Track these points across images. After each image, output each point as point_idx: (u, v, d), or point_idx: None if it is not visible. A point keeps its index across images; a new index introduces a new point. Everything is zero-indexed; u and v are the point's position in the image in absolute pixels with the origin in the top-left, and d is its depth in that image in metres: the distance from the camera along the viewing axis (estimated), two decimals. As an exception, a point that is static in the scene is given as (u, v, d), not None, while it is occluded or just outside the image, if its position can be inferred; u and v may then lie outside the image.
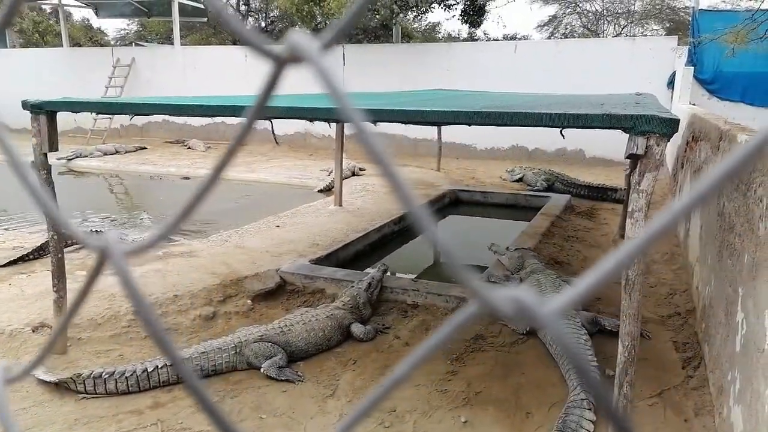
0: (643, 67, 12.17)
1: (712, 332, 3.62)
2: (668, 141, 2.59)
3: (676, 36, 13.38)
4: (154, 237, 0.44)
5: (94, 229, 6.60)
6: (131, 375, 3.39)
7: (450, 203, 9.22)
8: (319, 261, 5.60)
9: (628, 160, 3.80)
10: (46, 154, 3.70)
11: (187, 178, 11.36)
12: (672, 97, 11.74)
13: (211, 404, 0.42)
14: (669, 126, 2.52)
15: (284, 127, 14.75)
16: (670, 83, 12.08)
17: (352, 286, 4.61)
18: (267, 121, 4.94)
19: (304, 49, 0.35)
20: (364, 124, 0.35)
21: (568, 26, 27.06)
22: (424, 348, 0.37)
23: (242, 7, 24.45)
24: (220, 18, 0.38)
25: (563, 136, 3.48)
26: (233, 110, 4.40)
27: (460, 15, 16.45)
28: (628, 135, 2.62)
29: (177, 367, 0.43)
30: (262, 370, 3.63)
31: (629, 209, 2.63)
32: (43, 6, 24.39)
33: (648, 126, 2.52)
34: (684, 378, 3.62)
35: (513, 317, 0.33)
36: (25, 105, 3.61)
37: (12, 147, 0.47)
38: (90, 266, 0.46)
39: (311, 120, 4.89)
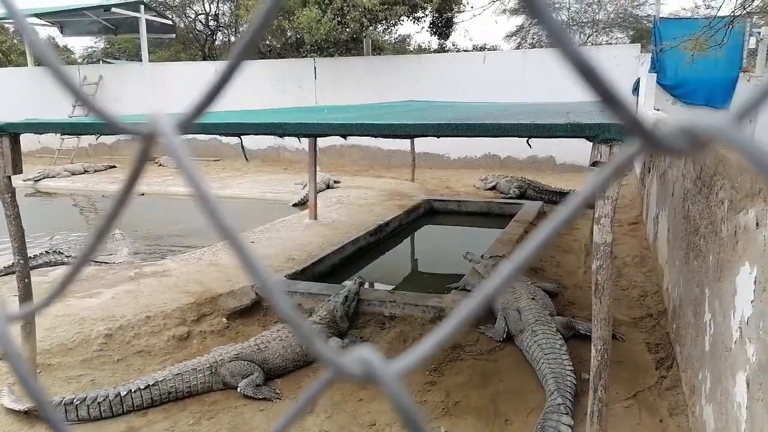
0: (608, 75, 12.44)
1: (682, 332, 3.70)
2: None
3: (639, 44, 13.76)
4: (46, 298, 0.43)
5: (46, 251, 6.41)
6: (104, 400, 3.32)
7: (425, 213, 9.27)
8: (295, 276, 5.57)
9: (592, 166, 3.89)
10: (9, 177, 3.62)
11: (143, 194, 11.22)
12: (637, 104, 12.04)
13: None
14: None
15: (257, 141, 14.68)
16: (635, 90, 12.39)
17: (329, 300, 4.59)
18: (236, 138, 4.91)
19: (161, 128, 0.37)
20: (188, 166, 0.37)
21: (535, 36, 27.58)
22: (294, 409, 0.38)
23: (211, 23, 24.36)
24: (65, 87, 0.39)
25: (530, 145, 3.55)
26: (203, 127, 4.36)
27: (429, 27, 16.66)
28: (591, 143, 2.69)
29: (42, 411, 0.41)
30: (239, 389, 3.58)
31: (596, 215, 2.69)
32: (6, 25, 23.91)
33: (610, 134, 2.59)
34: (658, 378, 3.69)
35: (362, 379, 0.34)
36: (-14, 128, 3.53)
37: None
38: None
39: (282, 136, 4.88)
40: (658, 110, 10.32)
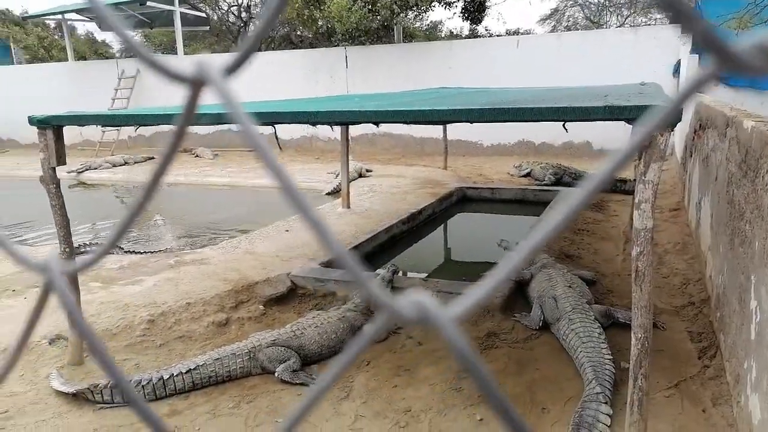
0: (648, 57, 12.10)
1: (726, 321, 3.59)
2: (672, 130, 2.57)
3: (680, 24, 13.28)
4: (93, 257, 0.45)
5: (85, 243, 6.65)
6: (147, 383, 3.42)
7: (458, 201, 9.20)
8: (329, 264, 5.61)
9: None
10: (54, 168, 3.75)
11: (169, 185, 11.51)
12: (678, 86, 11.66)
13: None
14: (671, 115, 2.51)
15: (290, 131, 14.81)
16: (676, 72, 12.00)
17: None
18: (270, 127, 4.96)
19: (208, 72, 0.37)
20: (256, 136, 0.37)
21: (570, 19, 26.94)
22: (346, 357, 0.38)
23: (243, 14, 24.57)
24: (129, 45, 0.39)
25: (566, 129, 3.47)
26: (238, 116, 4.40)
27: (461, 12, 16.44)
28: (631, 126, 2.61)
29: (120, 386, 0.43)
30: (276, 374, 3.65)
31: (636, 200, 2.62)
32: (47, 21, 24.64)
33: (651, 116, 2.51)
34: (700, 368, 3.60)
35: (417, 322, 0.34)
36: (32, 120, 3.65)
37: None
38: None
39: (314, 124, 4.91)
40: (701, 92, 9.96)
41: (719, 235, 4.26)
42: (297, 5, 14.37)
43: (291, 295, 5.03)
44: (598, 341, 3.63)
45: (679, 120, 2.58)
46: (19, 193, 11.75)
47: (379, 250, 6.64)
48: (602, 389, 3.17)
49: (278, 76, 14.89)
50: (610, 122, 3.01)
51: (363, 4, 13.55)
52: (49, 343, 4.02)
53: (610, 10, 26.03)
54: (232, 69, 0.37)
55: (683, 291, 4.82)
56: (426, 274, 5.96)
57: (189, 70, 0.38)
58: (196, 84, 0.37)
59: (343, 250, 0.35)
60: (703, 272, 5.02)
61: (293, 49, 21.26)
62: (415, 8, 14.48)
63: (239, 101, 0.36)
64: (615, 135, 11.10)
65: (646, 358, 2.66)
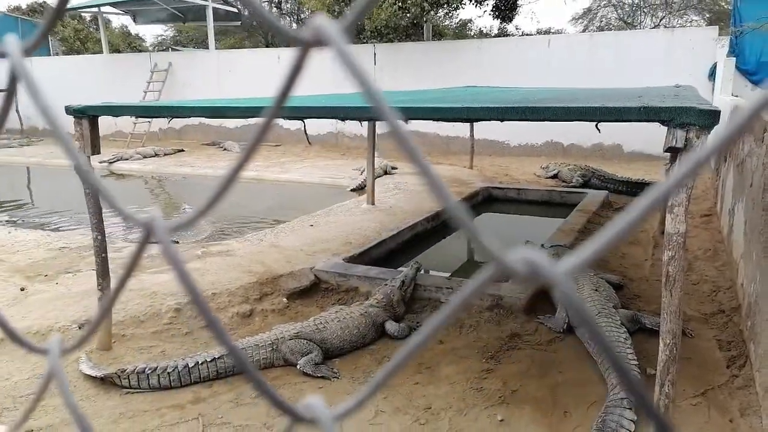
0: (683, 59, 11.84)
1: (758, 330, 3.50)
2: (709, 133, 2.51)
3: (717, 26, 12.96)
4: (191, 216, 0.47)
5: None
6: (173, 370, 3.49)
7: (483, 200, 9.14)
8: (353, 259, 5.63)
9: (669, 155, 3.71)
10: (89, 157, 3.84)
11: (185, 177, 12.08)
12: (713, 89, 11.38)
13: (267, 387, 0.44)
14: (709, 117, 2.45)
15: (316, 127, 14.89)
16: (711, 75, 11.71)
17: (386, 284, 4.62)
18: (300, 122, 5.00)
19: (326, 32, 0.37)
20: (390, 111, 0.37)
21: (603, 19, 26.51)
22: (448, 308, 0.38)
23: (274, 10, 24.76)
24: (251, 7, 0.39)
25: (599, 130, 3.42)
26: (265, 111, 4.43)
27: (492, 11, 16.30)
28: (666, 128, 2.56)
29: (232, 353, 0.45)
30: (298, 366, 3.68)
31: (669, 203, 2.57)
32: (84, 14, 25.19)
33: (687, 118, 2.46)
34: (729, 377, 3.51)
35: (527, 277, 0.33)
36: (68, 110, 3.75)
37: (74, 150, 0.50)
38: (136, 243, 0.49)
39: (343, 119, 4.93)
40: (737, 96, 9.72)
41: (752, 242, 4.15)
42: (327, 1, 14.43)
43: (314, 289, 5.06)
44: (624, 346, 3.57)
45: (717, 123, 2.51)
46: (54, 180, 12.05)
47: (403, 247, 6.64)
48: (627, 394, 3.12)
49: (307, 72, 14.95)
50: (643, 124, 2.95)
51: (393, 1, 13.53)
52: (79, 328, 4.12)
53: (644, 11, 25.54)
54: (351, 25, 0.36)
55: (713, 298, 4.72)
56: (449, 273, 5.94)
57: (305, 31, 0.38)
58: (306, 44, 0.37)
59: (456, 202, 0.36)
60: (734, 280, 4.90)
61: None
62: (445, 6, 14.42)
63: (359, 64, 0.36)
64: (647, 137, 10.92)
65: (673, 365, 2.61)
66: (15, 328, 0.55)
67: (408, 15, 13.97)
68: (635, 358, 3.47)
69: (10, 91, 0.52)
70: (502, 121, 3.32)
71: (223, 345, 0.45)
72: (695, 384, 3.42)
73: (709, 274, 5.24)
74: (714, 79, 11.58)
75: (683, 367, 3.35)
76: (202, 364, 3.54)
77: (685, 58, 11.84)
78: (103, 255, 3.97)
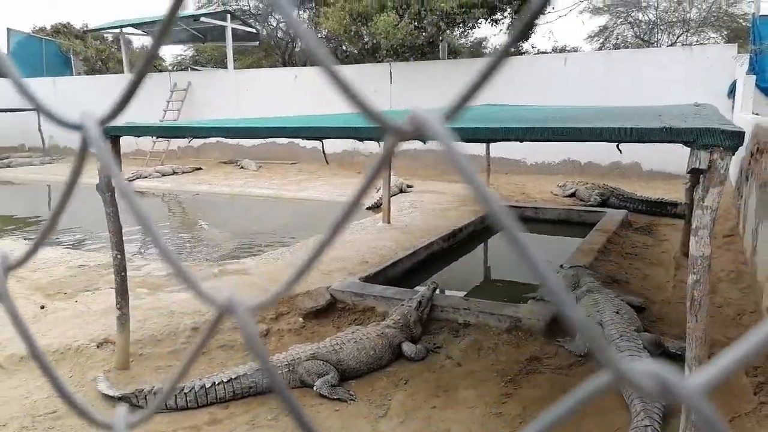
0: (701, 77, 11.74)
1: (787, 356, 3.40)
2: (733, 155, 2.47)
3: (736, 44, 12.86)
4: (272, 295, 0.45)
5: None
6: (190, 391, 3.48)
7: (500, 219, 9.07)
8: (369, 279, 5.60)
9: (688, 174, 3.65)
10: (109, 177, 3.89)
11: (197, 194, 12.23)
12: (733, 108, 11.26)
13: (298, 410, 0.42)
14: (734, 139, 2.41)
15: (332, 145, 14.97)
16: (731, 93, 11.59)
17: (403, 305, 4.59)
18: (318, 141, 5.03)
19: (426, 124, 0.36)
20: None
21: (619, 37, 26.46)
22: (550, 415, 0.35)
23: (291, 31, 25.11)
24: (344, 90, 0.39)
25: (620, 150, 3.39)
26: (283, 131, 4.48)
27: (507, 29, 16.35)
28: (689, 149, 2.53)
29: (269, 374, 0.43)
30: (315, 388, 3.65)
31: (693, 226, 2.52)
32: (106, 35, 25.79)
33: (711, 139, 2.42)
34: (756, 405, 3.41)
35: (655, 395, 0.31)
36: (92, 131, 3.80)
37: (120, 178, 0.49)
38: (209, 321, 0.48)
39: (360, 139, 4.94)
40: (757, 114, 9.59)
41: (779, 264, 4.05)
42: (344, 21, 14.60)
43: (330, 309, 5.04)
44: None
45: (741, 144, 2.47)
46: (75, 198, 12.22)
47: (420, 266, 6.60)
48: (651, 422, 3.04)
49: (322, 91, 15.12)
50: (662, 144, 2.92)
51: (410, 20, 13.65)
52: (97, 347, 4.14)
53: (661, 28, 25.46)
54: (452, 114, 0.36)
55: (738, 322, 4.60)
56: (465, 293, 5.89)
57: (399, 120, 0.38)
58: (401, 133, 0.37)
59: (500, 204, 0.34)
60: (759, 302, 4.79)
61: (339, 64, 21.55)
62: (461, 25, 14.51)
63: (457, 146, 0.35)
64: (666, 156, 10.82)
65: (700, 392, 2.54)
66: (81, 402, 0.53)
67: (424, 34, 14.08)
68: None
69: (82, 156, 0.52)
70: (522, 141, 3.30)
71: (261, 364, 0.43)
72: (722, 411, 3.32)
73: (732, 297, 5.13)
74: (733, 97, 11.46)
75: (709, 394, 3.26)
76: (218, 384, 3.53)
77: (704, 76, 11.74)
78: (123, 274, 4.00)
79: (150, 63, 0.45)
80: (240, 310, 0.44)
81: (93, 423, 0.54)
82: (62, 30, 26.55)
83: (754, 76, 10.89)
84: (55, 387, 0.53)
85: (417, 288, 5.37)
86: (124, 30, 19.65)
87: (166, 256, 0.46)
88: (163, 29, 0.42)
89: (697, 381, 0.31)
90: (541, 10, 0.34)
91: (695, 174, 2.58)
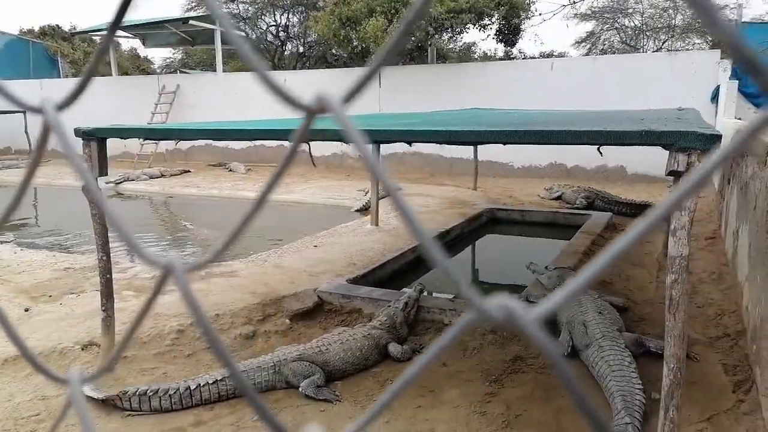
0: (685, 82, 11.91)
1: (764, 354, 3.47)
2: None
3: (719, 50, 13.06)
4: (208, 257, 0.49)
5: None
6: (174, 393, 3.47)
7: (487, 222, 9.15)
8: (356, 280, 5.63)
9: (672, 177, 3.72)
10: (96, 179, 3.88)
11: (171, 197, 12.25)
12: (716, 112, 11.43)
13: (266, 412, 0.45)
14: (710, 141, 2.47)
15: (321, 148, 14.99)
16: (714, 98, 11.77)
17: (389, 306, 4.61)
18: (305, 144, 5.04)
19: (329, 102, 0.39)
20: (373, 162, 0.41)
21: (605, 42, 26.75)
22: (427, 355, 0.40)
23: (281, 34, 25.12)
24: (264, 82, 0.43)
25: (601, 153, 3.44)
26: (271, 134, 4.49)
27: (495, 34, 16.49)
28: (668, 152, 2.58)
29: (234, 377, 0.47)
30: (300, 389, 3.66)
31: (671, 227, 2.57)
32: (94, 37, 25.63)
33: (688, 142, 2.48)
34: (735, 402, 3.47)
35: (503, 323, 0.36)
36: (77, 132, 3.80)
37: (89, 176, 0.53)
38: (155, 281, 0.52)
39: (346, 142, 4.97)
40: (740, 119, 9.75)
41: (757, 265, 4.13)
42: (333, 26, 14.65)
43: (317, 311, 5.06)
44: (629, 370, 3.54)
45: (719, 147, 2.53)
46: (61, 201, 12.14)
47: (407, 268, 6.63)
48: (631, 419, 3.09)
49: (311, 95, 15.13)
50: (646, 147, 2.97)
51: (398, 25, 13.72)
52: (82, 349, 4.12)
53: (647, 34, 25.77)
54: (350, 97, 0.41)
55: (718, 322, 4.68)
56: (453, 295, 5.93)
57: (308, 99, 0.43)
58: (313, 111, 0.42)
59: (428, 234, 0.39)
60: (739, 303, 4.87)
61: (328, 68, 21.64)
62: (450, 30, 14.61)
63: (356, 128, 0.41)
64: (651, 160, 10.92)
65: (678, 390, 2.59)
66: (36, 355, 0.57)
67: (413, 39, 14.16)
68: (640, 382, 3.44)
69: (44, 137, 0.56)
70: (505, 144, 3.35)
71: (227, 367, 0.47)
72: (701, 409, 3.38)
73: (714, 297, 5.21)
74: (716, 102, 11.64)
75: (688, 392, 3.32)
76: (203, 386, 3.53)
77: (688, 81, 11.91)
78: (108, 276, 3.99)
79: (105, 52, 0.49)
80: (178, 269, 0.48)
81: (50, 378, 0.59)
82: (50, 32, 26.37)
83: (737, 82, 11.08)
84: (12, 340, 0.57)
85: (404, 290, 5.39)
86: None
87: (113, 221, 0.50)
88: (116, 20, 0.46)
89: (535, 312, 0.36)
90: (425, 10, 0.39)
91: (674, 176, 2.64)
